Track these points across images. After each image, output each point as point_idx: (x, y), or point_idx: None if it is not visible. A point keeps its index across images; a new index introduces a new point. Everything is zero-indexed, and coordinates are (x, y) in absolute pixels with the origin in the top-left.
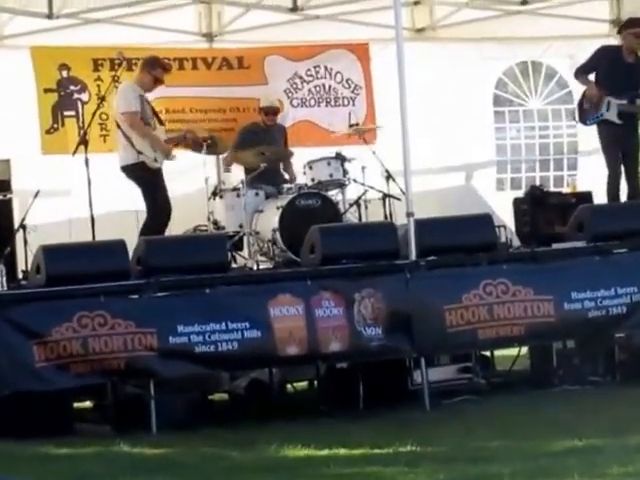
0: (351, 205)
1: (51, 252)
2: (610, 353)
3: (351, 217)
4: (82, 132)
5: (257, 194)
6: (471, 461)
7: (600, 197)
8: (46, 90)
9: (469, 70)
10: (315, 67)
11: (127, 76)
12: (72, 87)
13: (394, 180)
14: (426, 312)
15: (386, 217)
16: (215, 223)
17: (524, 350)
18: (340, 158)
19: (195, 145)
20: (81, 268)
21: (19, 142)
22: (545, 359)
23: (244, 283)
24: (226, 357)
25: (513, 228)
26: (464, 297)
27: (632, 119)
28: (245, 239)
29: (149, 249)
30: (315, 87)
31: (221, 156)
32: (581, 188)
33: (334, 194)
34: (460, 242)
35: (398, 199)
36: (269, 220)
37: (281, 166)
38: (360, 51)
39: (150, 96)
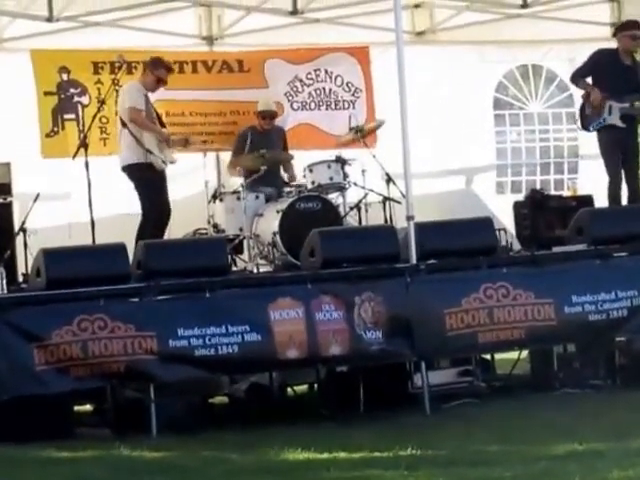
0: (351, 208)
1: (51, 255)
2: (611, 357)
3: (351, 220)
4: (82, 135)
5: (257, 197)
6: (471, 465)
7: (601, 200)
8: (46, 93)
9: (469, 73)
10: (315, 70)
11: (127, 79)
12: (72, 90)
13: (394, 183)
14: (426, 316)
15: (386, 220)
16: (215, 226)
17: (524, 354)
18: (340, 161)
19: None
20: (81, 271)
21: (19, 145)
22: (546, 363)
23: (244, 286)
24: (226, 361)
25: (513, 232)
26: (464, 301)
27: (632, 122)
28: (245, 242)
29: (149, 252)
30: (315, 90)
31: (225, 163)
32: (582, 191)
33: (334, 197)
34: (460, 246)
35: (398, 202)
36: (269, 223)
37: (281, 168)
38: (360, 54)
39: (151, 98)
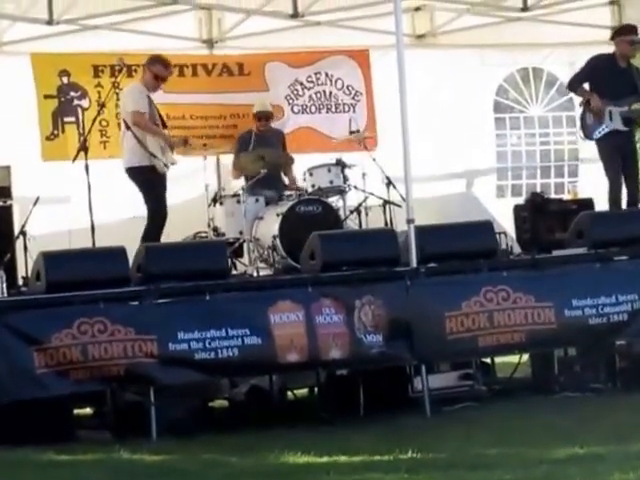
0: (351, 212)
1: (51, 259)
2: (611, 360)
3: (351, 224)
4: (82, 138)
5: (257, 200)
6: (472, 468)
7: (601, 204)
8: (46, 96)
9: (470, 76)
10: (316, 73)
11: (127, 82)
12: (72, 93)
13: (394, 187)
14: (426, 319)
15: (386, 224)
16: (215, 230)
17: (525, 357)
18: (340, 165)
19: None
20: (81, 275)
21: (19, 148)
22: (546, 366)
23: (244, 290)
24: (226, 364)
25: (514, 235)
26: (464, 304)
27: (631, 125)
28: (245, 246)
29: (149, 256)
30: (316, 93)
31: (226, 166)
32: (582, 195)
33: (334, 201)
34: (460, 249)
35: (399, 206)
36: (269, 227)
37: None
38: (361, 57)
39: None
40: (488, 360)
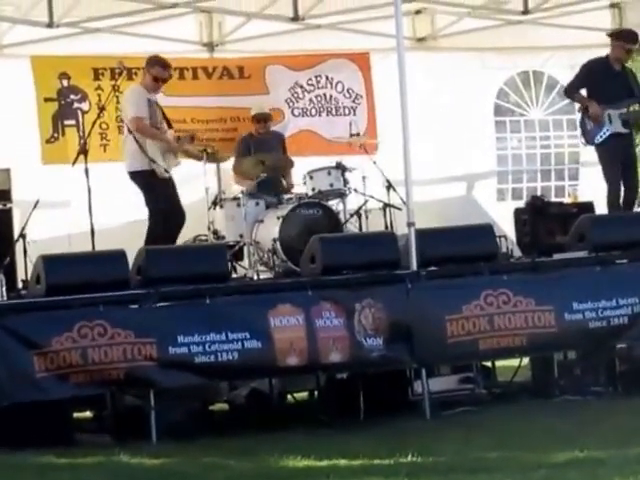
0: (352, 215)
1: (51, 262)
2: (611, 364)
3: (352, 227)
4: (82, 141)
5: (257, 204)
6: (471, 472)
7: (601, 207)
8: (46, 99)
9: (470, 80)
10: (316, 77)
11: (127, 85)
12: (72, 96)
13: (395, 190)
14: (427, 322)
15: (387, 227)
16: (215, 233)
17: (525, 361)
18: (341, 168)
19: (195, 154)
20: (81, 278)
21: (19, 151)
22: (546, 370)
23: (244, 293)
24: (226, 367)
25: (514, 238)
26: (465, 307)
27: (629, 127)
28: (245, 249)
29: (149, 259)
30: (316, 97)
31: (225, 170)
32: (582, 198)
33: (334, 204)
34: (461, 252)
35: (399, 209)
36: (269, 230)
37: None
38: (361, 61)
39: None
40: (488, 363)
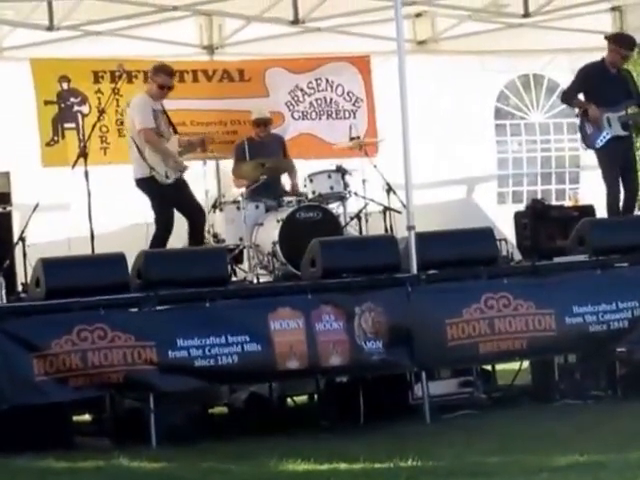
0: (352, 218)
1: (51, 265)
2: (611, 368)
3: (352, 230)
4: (82, 144)
5: (257, 207)
6: (471, 475)
7: (602, 211)
8: (46, 102)
9: (471, 83)
10: (316, 79)
11: (127, 88)
12: (72, 99)
13: (395, 193)
14: (427, 326)
15: (387, 230)
16: (215, 236)
17: (525, 364)
18: (341, 171)
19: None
20: (81, 281)
21: (19, 154)
22: (546, 373)
23: (244, 296)
24: (226, 371)
25: (514, 242)
26: (465, 311)
27: (629, 129)
28: (245, 252)
29: (149, 262)
30: (316, 100)
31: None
32: (583, 202)
33: (335, 207)
34: (461, 256)
35: (399, 212)
36: (269, 233)
37: (281, 177)
38: (361, 63)
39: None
40: (489, 367)
